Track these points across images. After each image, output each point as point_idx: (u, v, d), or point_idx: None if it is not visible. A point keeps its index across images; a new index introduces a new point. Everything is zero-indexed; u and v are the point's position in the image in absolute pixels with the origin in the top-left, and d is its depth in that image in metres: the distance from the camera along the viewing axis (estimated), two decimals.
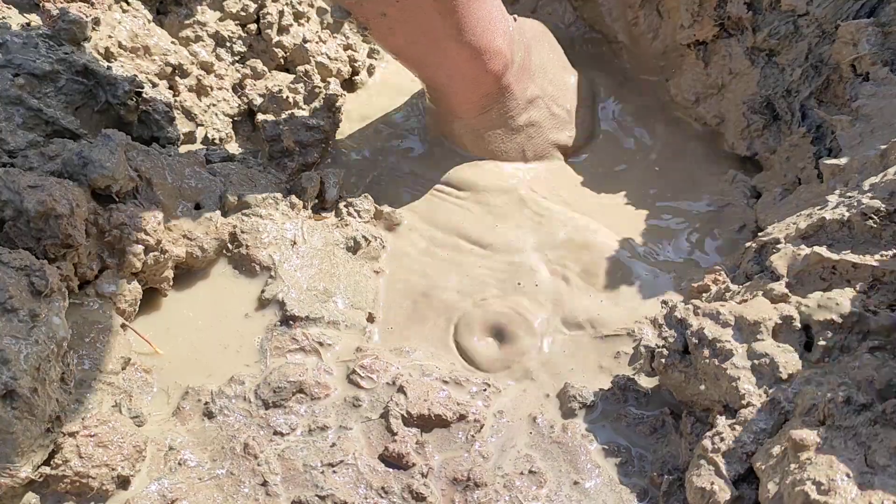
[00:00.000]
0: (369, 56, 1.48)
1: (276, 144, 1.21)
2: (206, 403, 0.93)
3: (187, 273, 1.05)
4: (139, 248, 0.97)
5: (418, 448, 0.90)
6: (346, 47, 1.44)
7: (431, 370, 0.98)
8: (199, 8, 1.38)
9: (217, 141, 1.24)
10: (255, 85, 1.35)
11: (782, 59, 1.21)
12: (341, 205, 1.18)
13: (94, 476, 0.81)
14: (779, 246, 0.98)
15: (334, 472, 0.88)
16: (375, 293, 1.10)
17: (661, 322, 0.99)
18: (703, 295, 1.04)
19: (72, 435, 0.82)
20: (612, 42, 1.44)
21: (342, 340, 1.01)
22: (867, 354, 0.82)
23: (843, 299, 0.85)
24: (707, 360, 0.86)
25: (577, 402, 0.97)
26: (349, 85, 1.45)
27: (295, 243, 1.07)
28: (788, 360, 0.84)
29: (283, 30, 1.39)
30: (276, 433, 0.90)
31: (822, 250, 0.90)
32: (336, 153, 1.33)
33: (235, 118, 1.29)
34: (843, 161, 1.01)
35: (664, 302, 1.01)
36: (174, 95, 1.26)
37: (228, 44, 1.37)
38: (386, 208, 1.19)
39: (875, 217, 0.89)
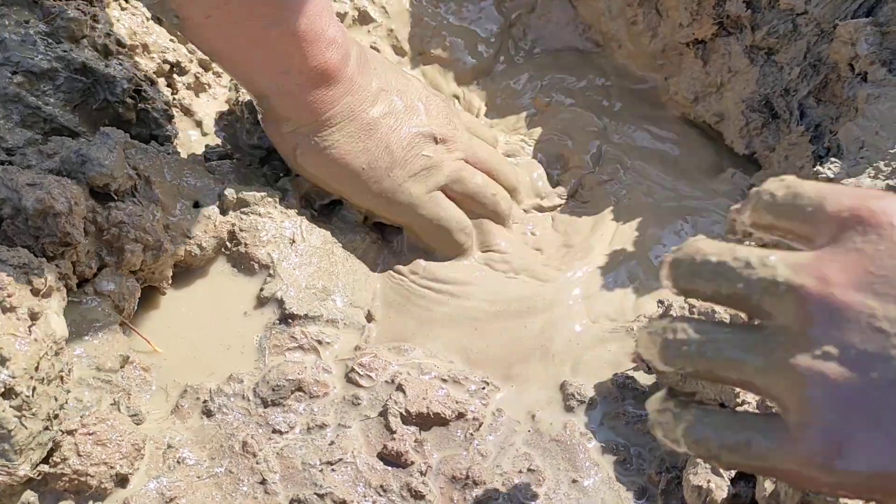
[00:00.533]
0: None
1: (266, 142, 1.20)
2: (205, 402, 0.93)
3: (186, 271, 1.05)
4: (138, 247, 0.97)
5: (417, 446, 0.90)
6: None
7: (430, 368, 0.98)
8: None
9: (215, 137, 1.24)
10: None
11: (781, 57, 1.21)
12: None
13: (92, 474, 0.82)
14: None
15: (333, 470, 0.88)
16: (374, 291, 1.10)
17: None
18: None
19: (70, 433, 0.83)
20: (611, 40, 1.44)
21: (341, 339, 1.01)
22: None
23: None
24: None
25: (575, 401, 0.98)
26: None
27: (294, 241, 1.07)
28: None
29: None
30: (274, 431, 0.91)
31: None
32: None
33: (234, 115, 1.29)
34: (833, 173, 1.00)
35: (660, 301, 1.02)
36: (173, 93, 1.25)
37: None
38: None
39: None
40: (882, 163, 0.94)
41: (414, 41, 1.47)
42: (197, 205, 1.06)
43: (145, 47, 1.25)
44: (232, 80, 1.21)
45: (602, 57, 1.46)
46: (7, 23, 1.08)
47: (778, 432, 0.50)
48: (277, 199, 1.09)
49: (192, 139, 1.25)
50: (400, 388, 0.94)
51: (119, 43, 1.19)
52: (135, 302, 0.99)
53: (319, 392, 0.94)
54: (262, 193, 1.09)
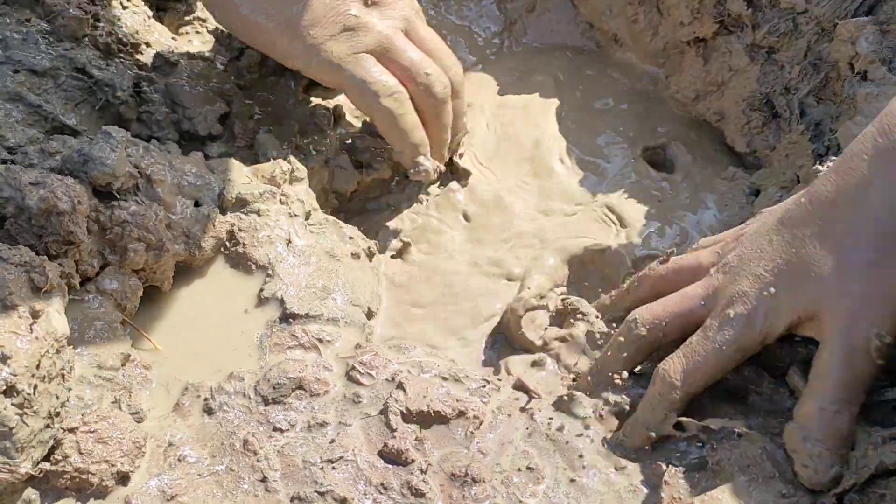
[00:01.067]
0: None
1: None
2: (206, 399, 0.93)
3: (186, 270, 1.05)
4: (141, 246, 0.97)
5: (417, 444, 0.90)
6: None
7: (430, 367, 0.98)
8: (198, 4, 1.38)
9: (216, 137, 1.24)
10: None
11: (781, 56, 1.21)
12: None
13: (93, 472, 0.82)
14: None
15: (333, 468, 0.88)
16: (374, 289, 1.10)
17: None
18: None
19: (71, 431, 0.83)
20: (612, 39, 1.44)
21: (342, 337, 1.01)
22: None
23: None
24: None
25: (575, 398, 0.98)
26: None
27: (293, 241, 1.07)
28: None
29: None
30: (275, 429, 0.91)
31: None
32: None
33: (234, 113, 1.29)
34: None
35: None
36: (174, 91, 1.25)
37: (227, 40, 1.37)
38: None
39: None
40: None
41: None
42: (197, 204, 1.06)
43: (147, 45, 1.25)
44: None
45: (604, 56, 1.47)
46: (8, 21, 1.08)
47: None
48: (277, 198, 1.10)
49: (192, 137, 1.25)
50: (400, 386, 0.94)
51: (121, 42, 1.19)
52: (137, 300, 1.00)
53: (320, 390, 0.94)
54: (262, 192, 1.09)
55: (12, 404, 0.75)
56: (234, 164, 1.14)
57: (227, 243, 1.06)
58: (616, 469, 0.91)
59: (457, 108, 1.19)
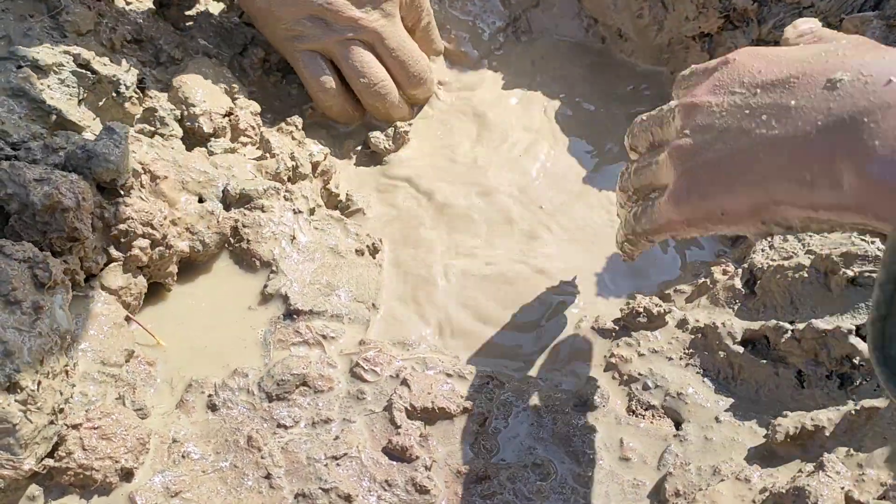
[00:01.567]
0: None
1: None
2: (210, 396, 0.93)
3: (189, 267, 1.05)
4: (145, 243, 0.97)
5: (422, 441, 0.90)
6: None
7: (435, 363, 0.98)
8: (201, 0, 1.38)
9: (219, 132, 1.24)
10: None
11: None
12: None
13: (97, 468, 0.82)
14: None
15: (338, 464, 0.88)
16: (378, 285, 1.10)
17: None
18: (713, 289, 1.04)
19: (75, 427, 0.83)
20: (616, 34, 1.44)
21: (346, 333, 1.01)
22: None
23: None
24: None
25: (579, 395, 0.98)
26: None
27: (296, 237, 1.07)
28: None
29: None
30: (279, 426, 0.91)
31: None
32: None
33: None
34: None
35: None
36: (177, 87, 1.25)
37: (231, 36, 1.37)
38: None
39: None
40: None
41: None
42: (201, 200, 1.06)
43: (151, 41, 1.25)
44: None
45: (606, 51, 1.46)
46: (12, 16, 1.08)
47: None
48: (281, 194, 1.09)
49: (195, 133, 1.25)
50: (405, 382, 0.94)
51: (125, 37, 1.19)
52: (141, 297, 1.00)
53: (324, 387, 0.94)
54: (265, 188, 1.09)
55: (16, 401, 0.75)
56: (238, 160, 1.14)
57: (230, 239, 1.06)
58: (622, 464, 0.91)
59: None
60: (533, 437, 0.93)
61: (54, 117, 1.04)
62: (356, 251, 1.11)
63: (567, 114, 1.38)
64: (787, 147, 0.58)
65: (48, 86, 1.05)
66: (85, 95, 1.09)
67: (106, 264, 0.97)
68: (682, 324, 1.02)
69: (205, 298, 1.03)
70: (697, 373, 0.98)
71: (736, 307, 1.00)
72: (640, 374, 0.99)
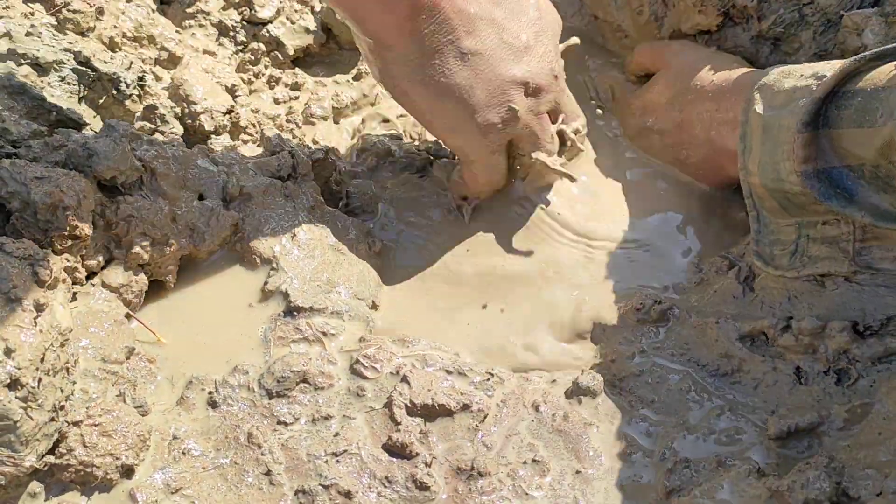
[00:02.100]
0: None
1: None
2: (210, 393, 0.93)
3: (190, 264, 1.05)
4: (146, 241, 0.97)
5: (422, 437, 0.90)
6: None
7: (435, 360, 0.98)
8: None
9: (220, 130, 1.24)
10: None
11: (787, 47, 1.20)
12: None
13: (98, 465, 0.82)
14: None
15: (338, 461, 0.88)
16: (378, 282, 1.10)
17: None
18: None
19: (76, 424, 0.83)
20: (616, 31, 1.43)
21: (346, 330, 1.01)
22: None
23: None
24: None
25: (579, 391, 0.98)
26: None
27: (297, 234, 1.07)
28: None
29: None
30: (279, 423, 0.91)
31: None
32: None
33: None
34: None
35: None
36: (178, 85, 1.26)
37: (232, 33, 1.37)
38: None
39: None
40: None
41: None
42: (202, 197, 1.06)
43: (151, 39, 1.25)
44: None
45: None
46: (13, 14, 1.08)
47: None
48: (281, 192, 1.10)
49: (196, 130, 1.25)
50: (405, 379, 0.94)
51: (125, 35, 1.19)
52: (142, 294, 1.00)
53: (324, 383, 0.94)
54: (266, 185, 1.09)
55: (17, 398, 0.75)
56: (239, 157, 1.14)
57: (231, 237, 1.06)
58: (621, 460, 0.91)
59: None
60: (533, 434, 0.94)
61: (55, 115, 1.04)
62: (357, 248, 1.11)
63: None
64: None
65: (48, 83, 1.06)
66: (85, 93, 1.09)
67: (107, 262, 0.97)
68: (681, 320, 1.02)
69: (205, 296, 1.04)
70: (697, 369, 0.98)
71: (734, 304, 1.00)
72: (640, 371, 0.99)
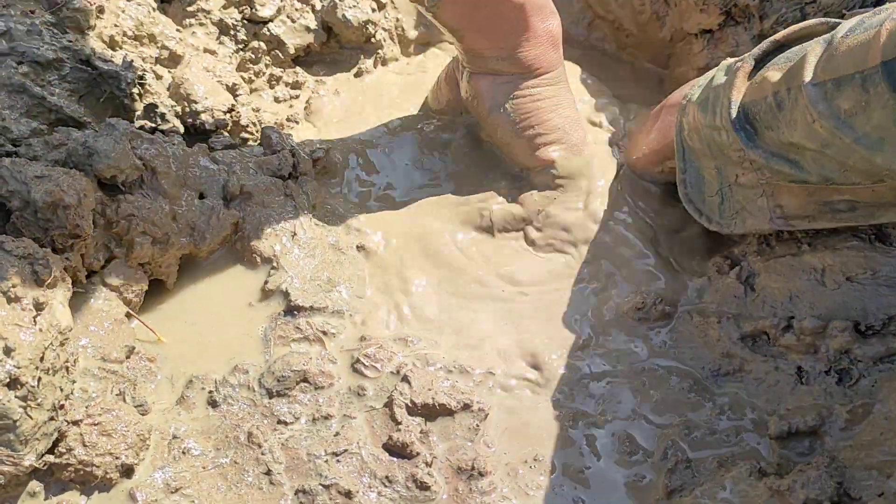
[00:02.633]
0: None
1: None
2: (210, 392, 0.93)
3: (190, 263, 1.05)
4: (147, 240, 0.97)
5: (422, 437, 0.90)
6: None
7: (435, 359, 0.98)
8: None
9: (221, 128, 1.24)
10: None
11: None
12: None
13: (98, 464, 0.82)
14: None
15: (338, 460, 0.88)
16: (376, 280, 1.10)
17: None
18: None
19: (76, 423, 0.83)
20: (619, 29, 1.43)
21: (346, 330, 1.01)
22: None
23: None
24: None
25: (579, 390, 0.98)
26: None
27: (297, 233, 1.07)
28: None
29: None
30: (279, 422, 0.91)
31: None
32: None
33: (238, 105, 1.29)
34: None
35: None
36: (178, 84, 1.25)
37: (232, 31, 1.37)
38: None
39: None
40: None
41: (420, 31, 1.47)
42: (202, 196, 1.06)
43: (152, 38, 1.25)
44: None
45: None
46: (13, 13, 1.08)
47: None
48: (282, 191, 1.10)
49: (196, 129, 1.25)
50: (405, 379, 0.94)
51: (125, 34, 1.19)
52: (142, 294, 1.00)
53: (325, 383, 0.94)
54: (266, 184, 1.09)
55: (16, 397, 0.75)
56: (239, 156, 1.14)
57: (231, 236, 1.06)
58: (623, 460, 0.91)
59: None
60: (533, 432, 0.94)
61: (55, 114, 1.04)
62: (357, 247, 1.11)
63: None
64: None
65: (49, 82, 1.06)
66: (86, 92, 1.09)
67: (107, 261, 0.97)
68: (682, 320, 1.02)
69: (205, 295, 1.03)
70: (698, 369, 0.98)
71: (736, 303, 1.00)
72: (641, 370, 0.99)
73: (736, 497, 0.83)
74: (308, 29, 1.41)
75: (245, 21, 1.39)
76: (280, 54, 1.39)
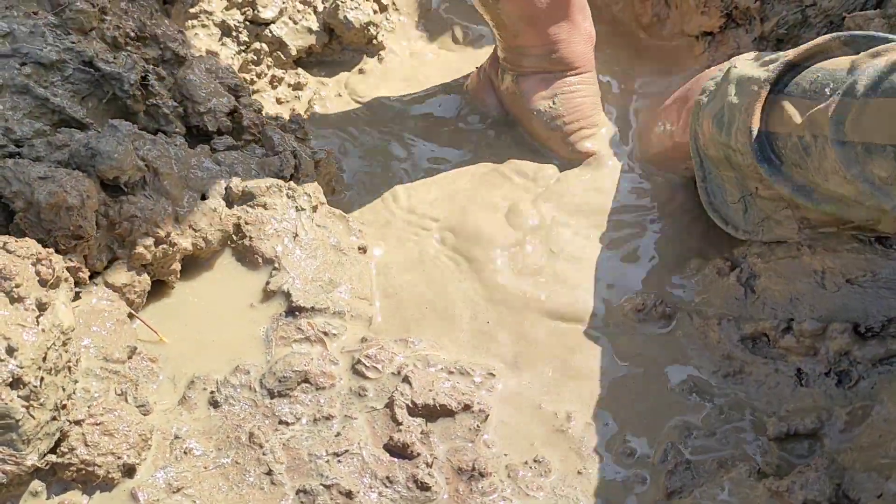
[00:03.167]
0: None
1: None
2: (212, 393, 0.93)
3: (192, 263, 1.05)
4: (149, 241, 0.97)
5: (423, 438, 0.91)
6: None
7: (436, 360, 0.98)
8: None
9: (223, 130, 1.24)
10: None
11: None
12: None
13: (99, 464, 0.82)
14: None
15: (339, 461, 0.88)
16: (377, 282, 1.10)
17: None
18: None
19: (78, 423, 0.83)
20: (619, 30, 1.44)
21: (347, 330, 1.01)
22: None
23: None
24: None
25: (579, 390, 0.98)
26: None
27: (299, 234, 1.07)
28: None
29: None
30: (281, 422, 0.91)
31: None
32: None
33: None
34: None
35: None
36: (181, 85, 1.26)
37: (234, 33, 1.37)
38: None
39: None
40: None
41: (422, 30, 1.48)
42: (204, 197, 1.06)
43: (154, 39, 1.25)
44: None
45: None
46: (16, 14, 1.08)
47: None
48: (284, 192, 1.10)
49: (198, 130, 1.25)
50: (406, 379, 0.94)
51: (128, 35, 1.19)
52: (144, 294, 1.00)
53: (326, 383, 0.94)
54: (268, 185, 1.09)
55: (19, 396, 0.75)
56: (241, 157, 1.14)
57: (233, 237, 1.06)
58: (623, 461, 0.91)
59: None
60: (534, 433, 0.94)
61: (58, 115, 1.04)
62: (359, 248, 1.11)
63: None
64: None
65: (52, 83, 1.06)
66: (88, 93, 1.09)
67: (110, 262, 0.97)
68: (683, 321, 1.02)
69: (207, 295, 1.04)
70: (698, 370, 0.99)
71: (736, 305, 1.00)
72: (642, 372, 0.99)
73: (735, 498, 0.83)
74: (310, 30, 1.41)
75: (247, 23, 1.39)
76: (282, 56, 1.39)
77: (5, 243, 0.83)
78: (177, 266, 1.03)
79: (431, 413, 0.93)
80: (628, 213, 1.19)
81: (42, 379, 0.78)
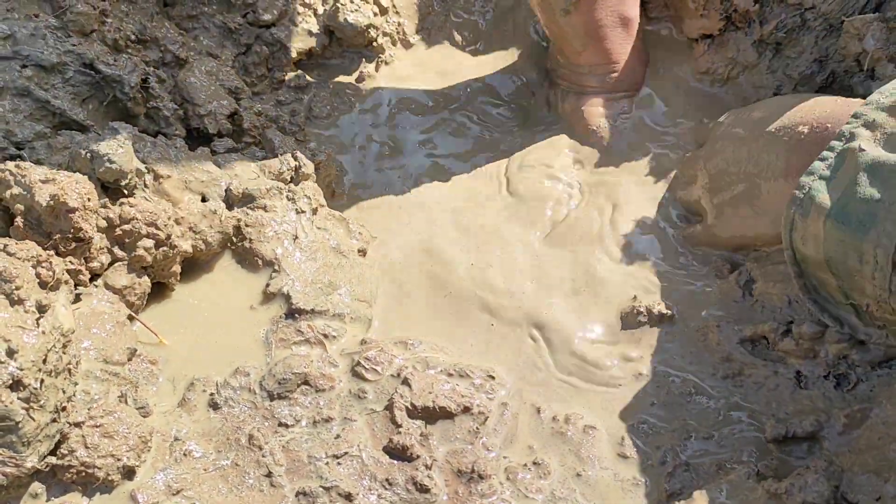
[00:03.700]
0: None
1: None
2: (212, 395, 0.93)
3: (192, 265, 1.05)
4: (149, 243, 0.98)
5: (422, 440, 0.91)
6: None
7: (436, 362, 0.98)
8: None
9: (223, 132, 1.24)
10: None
11: (789, 52, 1.21)
12: None
13: (99, 466, 0.82)
14: None
15: (338, 463, 0.88)
16: (377, 284, 1.10)
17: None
18: None
19: (78, 425, 0.83)
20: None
21: (347, 332, 1.01)
22: None
23: None
24: None
25: (579, 392, 0.98)
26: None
27: (299, 237, 1.07)
28: None
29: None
30: (280, 424, 0.91)
31: None
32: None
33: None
34: None
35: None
36: (181, 87, 1.26)
37: (235, 35, 1.37)
38: None
39: None
40: None
41: (422, 33, 1.48)
42: (204, 199, 1.07)
43: (155, 41, 1.26)
44: None
45: None
46: (17, 16, 1.08)
47: None
48: (284, 194, 1.10)
49: (198, 133, 1.25)
50: (406, 381, 0.94)
51: (128, 37, 1.19)
52: (144, 296, 1.00)
53: (325, 385, 0.94)
54: (268, 187, 1.09)
55: (19, 398, 0.75)
56: (241, 159, 1.14)
57: (233, 239, 1.06)
58: (622, 463, 0.91)
59: None
60: (533, 437, 0.94)
61: (59, 117, 1.05)
62: (359, 251, 1.11)
63: None
64: None
65: (52, 85, 1.06)
66: (89, 95, 1.09)
67: (110, 264, 0.98)
68: (682, 323, 1.03)
69: (207, 297, 1.04)
70: (698, 372, 0.99)
71: (735, 308, 1.00)
72: (641, 374, 0.99)
73: (734, 500, 0.83)
74: (310, 33, 1.41)
75: (247, 25, 1.39)
76: (282, 58, 1.39)
77: (6, 246, 0.83)
78: (177, 268, 1.03)
79: (431, 415, 0.93)
80: None
81: (42, 381, 0.78)
